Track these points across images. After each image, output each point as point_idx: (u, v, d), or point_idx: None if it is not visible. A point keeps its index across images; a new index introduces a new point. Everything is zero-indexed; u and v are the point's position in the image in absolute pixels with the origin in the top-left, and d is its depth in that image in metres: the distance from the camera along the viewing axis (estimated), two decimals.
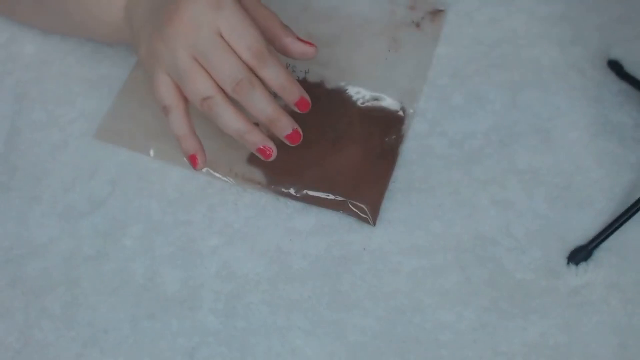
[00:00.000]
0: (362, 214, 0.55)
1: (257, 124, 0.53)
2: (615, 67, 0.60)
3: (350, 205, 0.56)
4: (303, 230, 0.56)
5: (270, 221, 0.56)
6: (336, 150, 0.58)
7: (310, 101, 0.53)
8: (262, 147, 0.52)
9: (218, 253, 0.55)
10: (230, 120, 0.51)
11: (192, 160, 0.52)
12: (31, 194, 0.58)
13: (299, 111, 0.53)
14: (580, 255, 0.54)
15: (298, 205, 0.57)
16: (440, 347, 0.52)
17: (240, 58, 0.49)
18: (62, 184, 0.58)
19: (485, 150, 0.58)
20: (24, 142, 0.60)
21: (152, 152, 0.58)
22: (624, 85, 0.59)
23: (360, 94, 0.60)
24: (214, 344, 0.53)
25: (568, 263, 0.54)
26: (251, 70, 0.50)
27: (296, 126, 0.52)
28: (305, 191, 0.57)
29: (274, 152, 0.52)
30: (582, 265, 0.54)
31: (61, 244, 0.56)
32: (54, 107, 0.61)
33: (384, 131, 0.59)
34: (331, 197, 0.56)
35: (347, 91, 0.60)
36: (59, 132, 0.60)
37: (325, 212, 0.56)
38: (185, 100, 0.52)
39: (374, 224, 0.55)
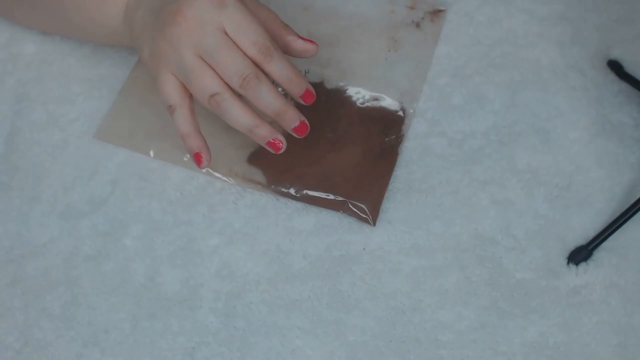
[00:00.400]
0: (362, 214, 0.56)
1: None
2: (615, 67, 0.60)
3: (350, 206, 0.56)
4: (303, 230, 0.56)
5: (270, 221, 0.56)
6: (336, 150, 0.58)
7: (315, 93, 0.53)
8: (272, 140, 0.52)
9: (218, 253, 0.55)
10: (239, 115, 0.51)
11: (197, 158, 0.53)
12: (31, 194, 0.58)
13: (304, 104, 0.53)
14: (580, 255, 0.54)
15: (298, 205, 0.57)
16: (440, 347, 0.52)
17: (245, 54, 0.50)
18: (62, 184, 0.58)
19: (484, 150, 0.58)
20: (24, 142, 0.60)
21: (152, 153, 0.59)
22: (624, 85, 0.59)
23: (360, 94, 0.60)
24: (214, 344, 0.53)
25: (568, 263, 0.54)
26: (257, 65, 0.50)
27: (303, 118, 0.53)
28: (305, 191, 0.57)
29: (284, 144, 0.52)
30: (582, 265, 0.54)
31: (61, 243, 0.56)
32: (54, 107, 0.61)
33: (384, 131, 0.59)
34: (331, 197, 0.56)
35: (347, 91, 0.60)
36: (59, 132, 0.60)
37: (325, 212, 0.56)
38: (191, 98, 0.52)
39: (374, 224, 0.55)
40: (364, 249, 0.55)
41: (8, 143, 0.60)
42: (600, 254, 0.54)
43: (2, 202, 0.58)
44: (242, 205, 0.57)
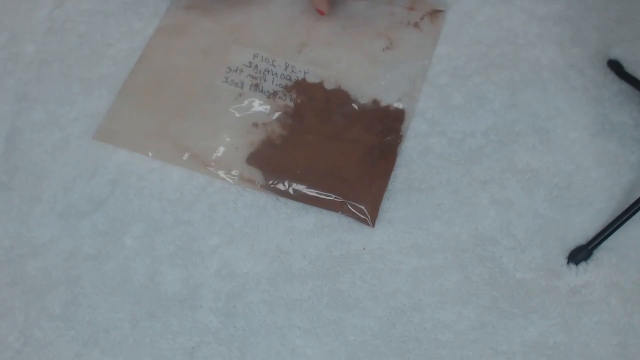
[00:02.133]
0: (361, 215, 0.55)
1: None
2: (615, 67, 0.60)
3: (349, 207, 0.56)
4: (303, 230, 0.56)
5: (270, 221, 0.56)
6: (335, 151, 0.58)
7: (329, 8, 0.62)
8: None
9: (218, 252, 0.55)
10: None
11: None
12: (31, 193, 0.58)
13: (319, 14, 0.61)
14: (580, 255, 0.54)
15: (298, 205, 0.57)
16: (440, 347, 0.52)
17: None
18: (62, 183, 0.58)
19: (484, 150, 0.58)
20: (25, 142, 0.60)
21: (150, 153, 0.58)
22: (624, 85, 0.59)
23: (359, 94, 0.60)
24: (214, 344, 0.53)
25: (568, 263, 0.54)
26: None
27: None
28: (304, 191, 0.57)
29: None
30: (582, 265, 0.54)
31: (61, 243, 0.56)
32: (54, 107, 0.61)
33: (383, 131, 0.59)
34: (330, 197, 0.56)
35: (346, 91, 0.60)
36: (59, 132, 0.60)
37: (325, 211, 0.56)
38: None
39: (373, 225, 0.55)
40: (364, 248, 0.55)
41: (8, 143, 0.60)
42: (600, 253, 0.54)
43: (2, 202, 0.58)
44: (242, 205, 0.57)
